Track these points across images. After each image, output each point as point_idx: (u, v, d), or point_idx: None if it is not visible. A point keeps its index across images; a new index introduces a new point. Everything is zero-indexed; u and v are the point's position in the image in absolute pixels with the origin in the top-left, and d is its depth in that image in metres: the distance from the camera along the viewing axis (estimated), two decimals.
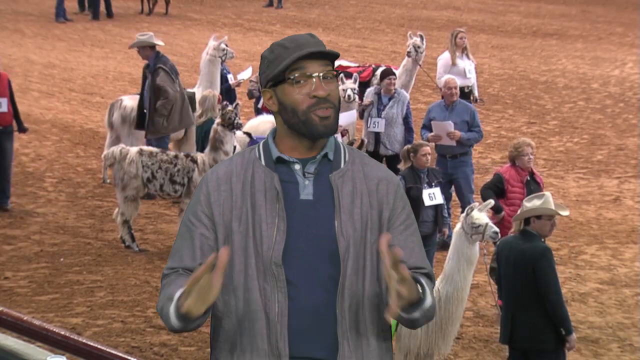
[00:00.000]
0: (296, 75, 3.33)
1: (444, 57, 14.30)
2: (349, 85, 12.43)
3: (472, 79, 14.27)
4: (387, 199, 3.41)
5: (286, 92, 3.35)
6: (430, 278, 3.46)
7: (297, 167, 3.38)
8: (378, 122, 12.15)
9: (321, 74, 3.34)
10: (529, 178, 9.53)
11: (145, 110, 12.25)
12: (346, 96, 12.21)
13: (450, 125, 11.25)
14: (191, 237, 3.39)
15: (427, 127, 11.53)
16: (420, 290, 3.25)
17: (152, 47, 12.28)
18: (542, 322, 7.19)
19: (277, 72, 3.34)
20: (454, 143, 11.24)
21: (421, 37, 14.54)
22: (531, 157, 9.52)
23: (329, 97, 3.33)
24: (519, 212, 7.52)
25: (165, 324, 3.31)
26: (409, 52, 14.26)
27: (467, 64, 14.18)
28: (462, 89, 14.11)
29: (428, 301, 3.28)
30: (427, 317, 3.32)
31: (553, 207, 7.37)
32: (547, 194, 7.58)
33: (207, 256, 3.33)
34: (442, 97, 11.68)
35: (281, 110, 3.38)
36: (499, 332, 7.67)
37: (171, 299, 3.21)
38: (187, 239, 3.40)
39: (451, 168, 11.29)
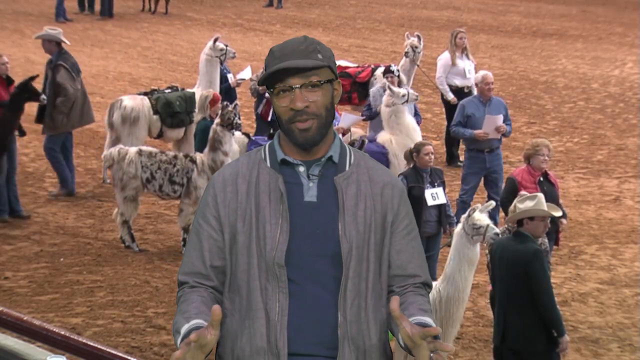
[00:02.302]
0: (276, 87, 3.36)
1: (444, 57, 14.32)
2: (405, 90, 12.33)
3: (471, 79, 14.28)
4: (391, 203, 3.44)
5: (274, 101, 3.40)
6: (427, 285, 3.52)
7: (302, 169, 3.41)
8: None
9: (300, 85, 3.34)
10: (541, 178, 9.53)
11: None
12: (412, 97, 12.11)
13: (500, 119, 11.45)
14: (199, 240, 3.44)
15: (462, 123, 11.67)
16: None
17: (58, 43, 12.30)
18: (534, 323, 7.19)
19: (262, 84, 3.41)
20: (498, 136, 11.47)
21: (418, 37, 14.53)
22: (546, 158, 9.53)
23: (307, 109, 3.35)
24: (511, 213, 7.49)
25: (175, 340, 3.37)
26: (406, 53, 14.27)
27: (467, 64, 14.21)
28: (461, 89, 14.16)
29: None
30: None
31: (545, 208, 7.38)
32: (540, 194, 7.58)
33: (216, 257, 3.41)
34: (479, 93, 11.82)
35: (276, 117, 3.45)
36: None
37: (178, 333, 3.26)
38: (196, 242, 3.45)
39: (489, 162, 11.54)
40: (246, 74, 14.22)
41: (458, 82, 14.17)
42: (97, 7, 28.44)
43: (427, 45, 15.02)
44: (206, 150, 10.78)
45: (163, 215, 12.20)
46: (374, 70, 14.29)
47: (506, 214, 9.06)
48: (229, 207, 3.40)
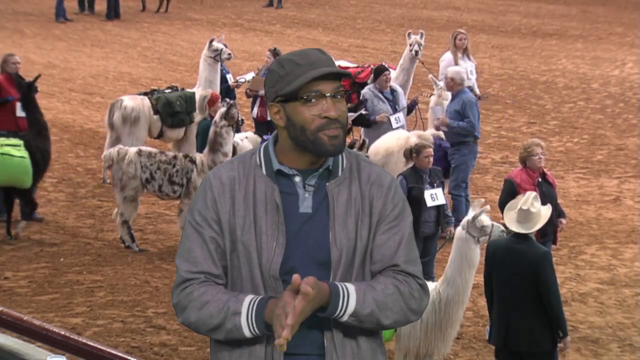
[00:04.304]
0: (309, 94, 3.31)
1: (447, 58, 14.30)
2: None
3: (472, 80, 14.28)
4: (377, 202, 3.42)
5: (297, 110, 3.33)
6: (409, 274, 3.41)
7: (298, 179, 3.39)
8: (399, 117, 12.32)
9: (332, 94, 3.33)
10: (540, 179, 9.45)
11: None
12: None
13: (438, 111, 11.84)
14: (203, 239, 3.39)
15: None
16: (333, 297, 3.26)
17: None
18: (539, 324, 7.17)
19: (289, 90, 3.31)
20: (444, 128, 11.64)
21: (421, 34, 14.49)
22: (541, 157, 9.42)
23: (339, 117, 3.34)
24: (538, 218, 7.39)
25: (226, 335, 3.33)
26: (416, 52, 14.09)
27: (468, 65, 14.18)
28: None
29: (350, 305, 3.27)
30: (369, 320, 3.31)
31: None
32: (529, 193, 7.58)
33: (222, 259, 3.38)
34: None
35: (288, 126, 3.35)
36: (490, 333, 7.60)
37: (238, 314, 3.27)
38: (199, 241, 3.40)
39: (450, 155, 11.66)
40: (248, 77, 14.25)
41: None
42: (97, 7, 28.42)
43: (427, 45, 15.03)
44: (206, 150, 10.77)
45: (163, 215, 12.20)
46: (373, 70, 14.27)
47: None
48: (229, 214, 3.38)
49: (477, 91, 14.54)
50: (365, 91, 12.53)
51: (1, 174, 10.69)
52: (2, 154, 10.66)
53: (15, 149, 10.76)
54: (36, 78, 11.41)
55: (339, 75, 3.37)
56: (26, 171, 10.78)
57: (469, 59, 14.32)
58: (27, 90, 11.25)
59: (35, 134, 11.09)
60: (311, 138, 3.32)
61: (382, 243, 3.41)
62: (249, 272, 3.36)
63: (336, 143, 3.33)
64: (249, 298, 3.29)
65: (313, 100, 3.31)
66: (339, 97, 3.35)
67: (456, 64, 14.09)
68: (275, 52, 13.53)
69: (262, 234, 3.34)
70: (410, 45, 14.10)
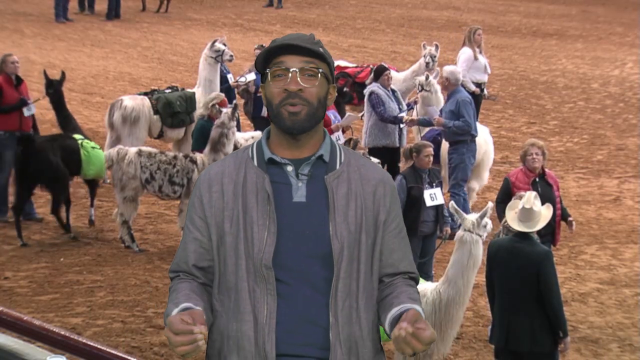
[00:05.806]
0: (274, 68, 3.32)
1: (466, 52, 14.40)
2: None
3: (488, 74, 14.46)
4: (384, 201, 3.41)
5: (268, 84, 3.36)
6: (416, 281, 3.51)
7: (290, 168, 3.36)
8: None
9: (298, 69, 3.31)
10: (537, 179, 9.45)
11: None
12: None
13: (434, 111, 11.85)
14: (185, 241, 3.44)
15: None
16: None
17: None
18: (541, 324, 7.17)
19: (260, 66, 3.37)
20: (440, 128, 11.74)
21: (436, 46, 14.56)
22: (535, 157, 9.41)
23: (300, 92, 3.30)
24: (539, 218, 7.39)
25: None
26: (427, 63, 14.19)
27: (484, 60, 14.40)
28: (479, 84, 14.27)
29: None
30: None
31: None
32: (528, 192, 7.57)
33: (202, 259, 3.40)
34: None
35: (266, 104, 3.40)
36: (490, 333, 7.60)
37: (177, 306, 3.25)
38: (183, 243, 3.45)
39: (449, 153, 11.70)
40: (249, 77, 14.26)
41: (479, 77, 14.27)
42: (97, 7, 28.44)
43: (428, 45, 15.10)
44: (206, 150, 10.75)
45: (163, 215, 12.20)
46: (372, 70, 14.29)
47: (500, 214, 9.03)
48: (215, 208, 3.36)
49: (486, 91, 14.65)
50: (374, 88, 12.47)
51: (95, 167, 11.27)
52: (93, 147, 11.22)
53: (89, 142, 11.28)
54: (62, 77, 12.13)
55: (311, 53, 3.33)
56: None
57: (482, 54, 14.49)
58: (58, 87, 11.85)
59: (78, 129, 11.64)
60: (275, 112, 3.33)
61: (394, 247, 3.42)
62: (235, 265, 3.33)
63: (295, 119, 3.30)
64: (182, 305, 3.24)
65: (280, 75, 3.31)
66: (309, 75, 3.32)
67: (475, 58, 14.24)
68: (262, 49, 13.63)
69: (254, 224, 3.30)
70: (424, 57, 14.24)
